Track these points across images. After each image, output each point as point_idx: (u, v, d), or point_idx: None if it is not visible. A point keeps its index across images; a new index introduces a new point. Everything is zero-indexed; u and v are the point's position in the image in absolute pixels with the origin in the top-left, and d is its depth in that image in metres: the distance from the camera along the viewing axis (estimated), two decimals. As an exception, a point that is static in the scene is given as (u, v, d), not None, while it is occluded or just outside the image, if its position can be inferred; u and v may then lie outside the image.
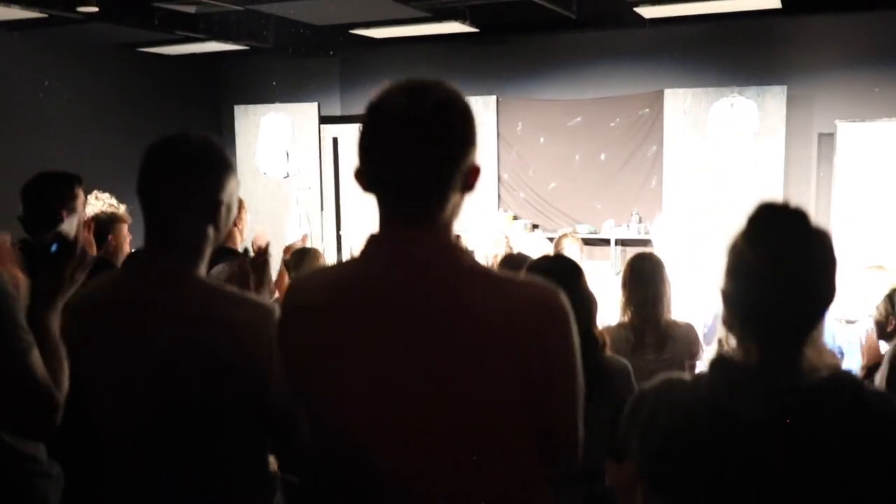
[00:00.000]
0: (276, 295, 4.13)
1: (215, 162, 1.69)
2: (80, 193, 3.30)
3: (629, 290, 3.21)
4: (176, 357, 1.56)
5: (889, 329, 2.99)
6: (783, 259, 1.37)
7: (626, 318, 3.22)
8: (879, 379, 2.59)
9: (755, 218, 1.45)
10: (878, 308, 3.22)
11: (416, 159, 1.30)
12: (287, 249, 4.49)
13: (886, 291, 3.67)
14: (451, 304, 1.28)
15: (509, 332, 1.26)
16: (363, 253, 1.37)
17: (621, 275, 3.33)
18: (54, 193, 3.15)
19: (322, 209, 10.13)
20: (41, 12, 7.31)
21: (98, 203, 5.87)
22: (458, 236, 4.35)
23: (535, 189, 9.37)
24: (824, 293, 1.39)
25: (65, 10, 7.29)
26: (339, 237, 9.97)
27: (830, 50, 8.30)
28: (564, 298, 1.32)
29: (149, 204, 1.67)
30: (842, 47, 8.27)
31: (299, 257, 3.91)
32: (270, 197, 10.30)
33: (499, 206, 9.36)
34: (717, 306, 3.94)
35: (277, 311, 1.60)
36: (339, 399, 1.31)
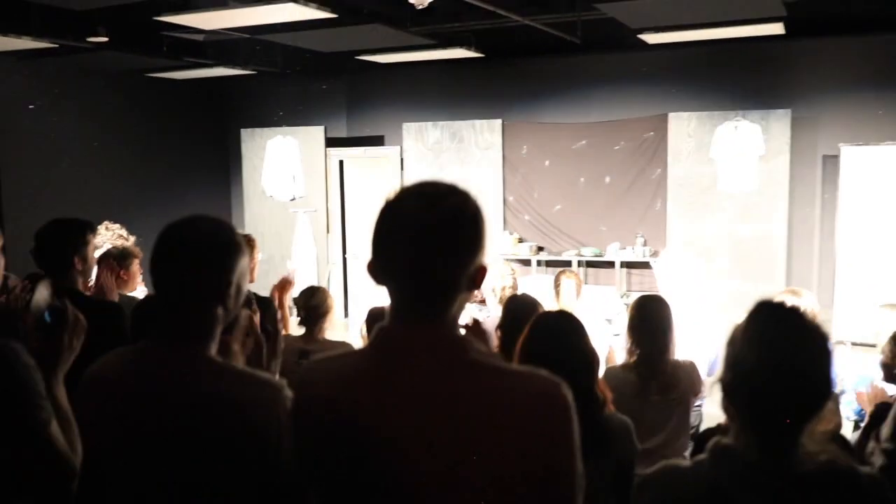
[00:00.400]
0: (284, 332, 4.18)
1: (225, 244, 1.73)
2: (92, 240, 3.35)
3: (636, 335, 3.24)
4: (186, 438, 1.60)
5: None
6: (779, 359, 1.42)
7: (631, 360, 3.25)
8: (886, 432, 2.60)
9: (753, 316, 1.50)
10: (883, 350, 3.23)
11: (426, 266, 1.36)
12: (282, 286, 4.46)
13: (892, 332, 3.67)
14: (455, 402, 1.32)
15: (512, 428, 1.29)
16: (372, 345, 1.42)
17: (628, 317, 3.35)
18: (67, 241, 3.20)
19: (328, 231, 10.18)
20: (51, 43, 7.40)
21: (108, 234, 5.92)
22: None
23: (540, 211, 9.41)
24: (820, 389, 1.43)
25: (75, 41, 7.39)
26: (344, 259, 10.03)
27: (834, 73, 8.35)
28: (567, 393, 1.36)
29: (160, 285, 1.71)
30: (845, 71, 8.31)
31: (308, 297, 3.94)
32: (277, 219, 10.37)
33: (504, 229, 9.40)
34: (719, 343, 3.97)
35: (287, 389, 1.65)
36: (348, 489, 1.35)
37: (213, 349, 1.70)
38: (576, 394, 2.23)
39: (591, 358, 2.33)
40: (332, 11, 6.17)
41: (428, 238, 1.35)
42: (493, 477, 1.28)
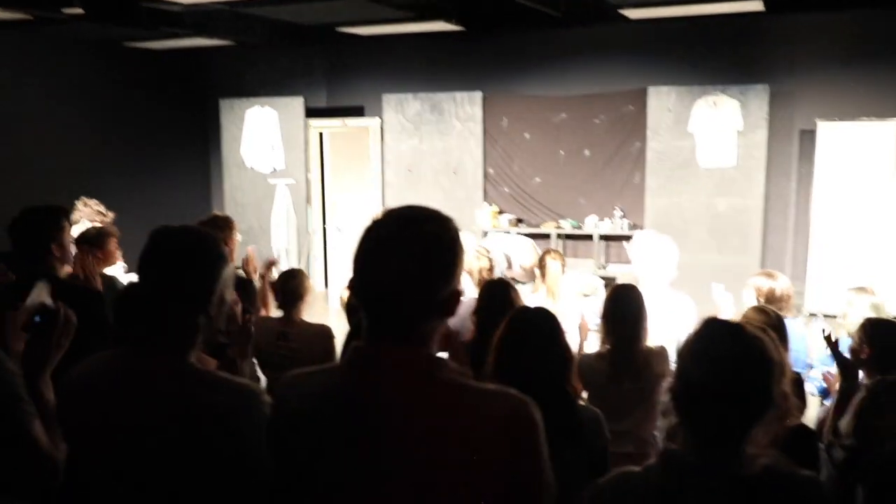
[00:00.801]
0: (263, 312, 4.22)
1: (209, 255, 1.77)
2: (68, 225, 3.37)
3: (609, 324, 3.31)
4: (165, 443, 1.64)
5: (863, 356, 3.10)
6: (721, 374, 1.54)
7: (604, 349, 3.33)
8: (846, 427, 2.68)
9: (699, 333, 1.59)
10: (852, 335, 3.33)
11: (402, 287, 1.41)
12: (267, 267, 4.49)
13: (864, 316, 3.77)
14: (429, 421, 1.37)
15: (484, 447, 1.35)
16: (347, 363, 1.47)
17: (602, 306, 3.42)
18: (43, 229, 3.21)
19: (308, 202, 10.18)
20: (26, 14, 7.30)
21: (86, 210, 5.90)
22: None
23: (520, 184, 9.46)
24: (759, 401, 1.54)
25: (50, 12, 7.29)
26: (324, 231, 10.04)
27: (812, 49, 8.39)
28: (535, 412, 1.42)
29: (145, 293, 1.75)
30: (823, 47, 8.35)
31: (285, 280, 3.97)
32: (256, 190, 10.35)
33: (484, 200, 9.45)
34: (693, 322, 4.05)
35: (264, 393, 1.70)
36: (323, 502, 1.42)
37: (194, 356, 1.75)
38: (550, 390, 2.32)
39: (565, 356, 2.40)
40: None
41: (405, 261, 1.40)
42: (467, 494, 1.35)
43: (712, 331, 1.61)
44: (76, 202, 5.99)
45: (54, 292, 2.06)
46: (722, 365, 1.54)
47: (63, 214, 3.36)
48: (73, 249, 3.42)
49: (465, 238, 5.33)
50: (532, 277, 5.65)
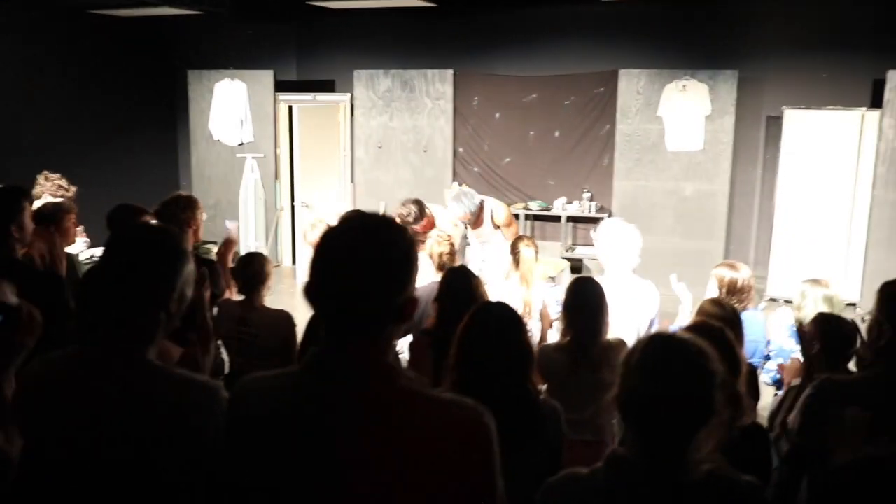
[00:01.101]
0: (227, 295, 4.20)
1: (171, 253, 1.76)
2: (28, 206, 3.32)
3: (570, 317, 3.34)
4: (124, 440, 1.64)
5: (813, 352, 3.16)
6: (663, 386, 1.58)
7: (565, 341, 3.36)
8: (792, 421, 2.74)
9: (644, 346, 1.63)
10: (807, 329, 3.39)
11: (359, 293, 1.42)
12: (226, 246, 4.45)
13: (817, 308, 3.84)
14: (386, 428, 1.39)
15: (439, 454, 1.38)
16: (306, 367, 1.48)
17: (563, 299, 3.45)
18: (2, 211, 3.16)
19: (277, 178, 10.10)
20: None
21: (48, 184, 5.81)
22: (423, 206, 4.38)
23: (490, 164, 9.46)
24: (702, 412, 1.58)
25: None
26: (293, 207, 9.98)
27: (781, 36, 8.46)
28: (490, 421, 1.44)
29: (105, 290, 1.74)
30: (793, 34, 8.42)
31: (245, 264, 3.93)
32: (224, 164, 10.24)
33: (453, 180, 9.44)
34: (657, 304, 4.09)
35: (223, 391, 1.70)
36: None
37: (153, 353, 1.75)
38: (511, 388, 2.34)
39: (527, 353, 2.41)
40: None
41: (361, 269, 1.41)
42: (423, 500, 1.37)
43: (657, 344, 1.65)
44: (38, 176, 5.90)
45: (17, 278, 2.03)
46: (665, 376, 1.59)
47: (22, 194, 3.31)
48: (31, 227, 3.38)
49: (443, 210, 5.31)
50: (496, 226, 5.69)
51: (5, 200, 3.19)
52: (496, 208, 5.91)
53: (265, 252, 9.86)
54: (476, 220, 5.84)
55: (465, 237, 6.06)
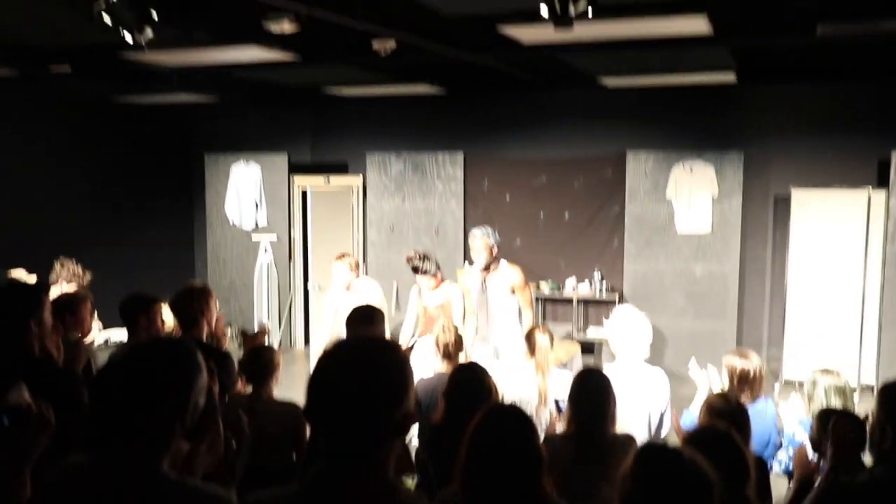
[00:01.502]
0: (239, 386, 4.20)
1: (186, 368, 1.81)
2: (47, 301, 3.38)
3: (575, 406, 3.35)
4: None
5: (822, 448, 3.14)
6: (656, 496, 1.58)
7: (570, 431, 3.36)
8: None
9: (639, 458, 1.67)
10: (813, 426, 3.38)
11: (356, 415, 1.48)
12: (259, 337, 4.53)
13: (829, 398, 3.83)
14: None
15: None
16: (309, 487, 1.52)
17: (569, 389, 3.45)
18: (23, 308, 3.23)
19: (290, 259, 10.22)
20: (12, 71, 7.38)
21: (63, 271, 5.92)
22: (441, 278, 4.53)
23: (501, 245, 9.50)
24: None
25: (37, 69, 7.37)
26: (306, 289, 10.05)
27: (785, 118, 8.61)
28: None
29: (121, 403, 1.78)
30: (795, 116, 8.58)
31: (254, 357, 3.96)
32: (239, 246, 10.38)
33: (464, 262, 9.50)
34: (667, 393, 4.07)
35: (235, 501, 1.73)
36: None
37: (167, 462, 1.78)
38: (521, 492, 2.33)
39: (538, 458, 2.39)
40: (296, 53, 6.25)
41: (358, 390, 1.46)
42: None
43: (652, 454, 1.69)
44: (55, 262, 6.01)
45: (34, 376, 2.07)
46: (660, 492, 1.63)
47: (43, 291, 3.38)
48: (50, 322, 3.44)
49: (455, 286, 5.38)
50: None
51: (27, 296, 3.25)
52: (513, 268, 6.01)
53: (278, 333, 9.97)
54: (493, 263, 6.02)
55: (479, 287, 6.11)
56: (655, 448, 1.72)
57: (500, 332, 6.06)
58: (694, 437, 2.51)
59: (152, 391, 1.76)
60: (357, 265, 6.53)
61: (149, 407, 1.75)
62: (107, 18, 3.32)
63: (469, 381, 3.43)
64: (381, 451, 1.50)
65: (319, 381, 1.51)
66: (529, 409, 4.33)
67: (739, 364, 4.02)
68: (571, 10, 2.79)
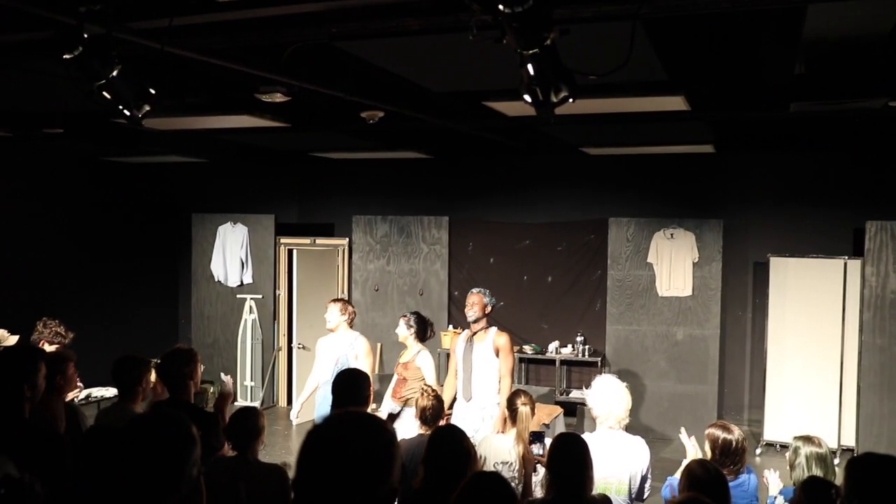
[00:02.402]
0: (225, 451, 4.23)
1: (183, 441, 1.89)
2: (42, 367, 3.45)
3: (553, 472, 3.40)
4: None
5: None
6: None
7: (548, 496, 3.41)
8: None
9: None
10: (795, 493, 3.45)
11: (342, 491, 1.53)
12: (224, 401, 4.53)
13: (809, 466, 3.91)
14: None
15: None
16: None
17: (546, 454, 3.52)
18: (16, 370, 3.30)
19: (275, 318, 10.26)
20: (6, 132, 7.49)
21: (46, 331, 5.91)
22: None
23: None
24: None
25: (30, 131, 7.48)
26: (290, 349, 10.07)
27: (762, 186, 8.84)
28: None
29: (117, 481, 1.85)
30: (773, 184, 8.80)
31: (237, 419, 3.98)
32: (223, 303, 10.41)
33: (448, 324, 9.59)
34: (646, 460, 4.13)
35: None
36: None
37: None
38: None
39: None
40: (286, 122, 6.40)
41: (345, 466, 1.53)
42: None
43: None
44: (37, 323, 6.01)
45: (23, 443, 2.13)
46: None
47: (39, 356, 3.45)
48: (42, 387, 3.50)
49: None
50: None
51: (22, 360, 3.33)
52: (502, 335, 6.13)
53: (261, 392, 9.95)
54: (482, 324, 6.15)
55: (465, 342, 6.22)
56: None
57: (483, 394, 6.12)
58: None
59: (152, 463, 1.82)
60: (348, 310, 6.62)
61: (145, 481, 1.81)
62: (106, 95, 3.45)
63: (448, 445, 3.47)
64: None
65: (308, 457, 1.57)
66: (509, 473, 4.39)
67: (722, 435, 4.08)
68: (553, 97, 2.93)
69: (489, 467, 4.23)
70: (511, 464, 4.36)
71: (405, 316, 6.48)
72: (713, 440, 4.11)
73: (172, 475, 1.85)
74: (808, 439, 4.16)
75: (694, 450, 4.35)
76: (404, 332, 6.38)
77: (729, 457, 4.02)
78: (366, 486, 1.55)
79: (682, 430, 4.54)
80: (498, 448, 4.49)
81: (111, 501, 1.85)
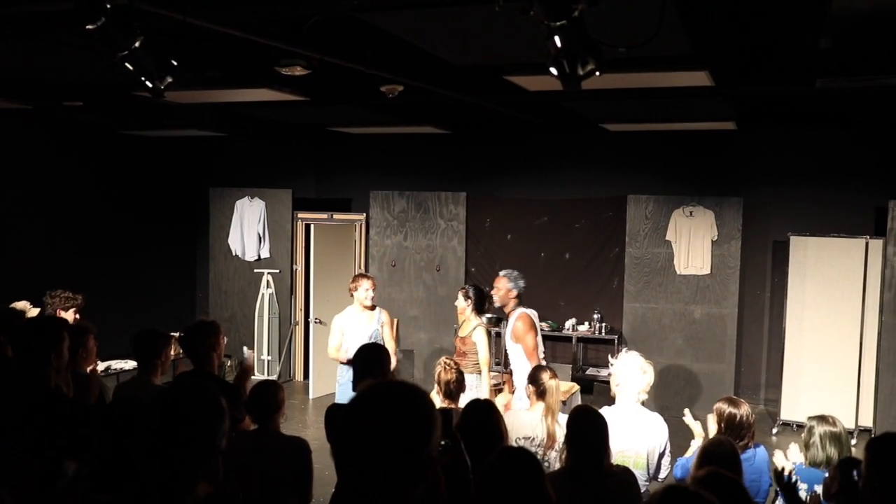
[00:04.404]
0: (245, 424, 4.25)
1: (215, 414, 1.90)
2: (67, 336, 3.50)
3: (572, 443, 3.39)
4: None
5: (833, 491, 3.20)
6: None
7: (567, 466, 3.41)
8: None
9: (662, 499, 1.73)
10: (829, 473, 3.44)
11: (379, 460, 1.53)
12: (244, 376, 4.55)
13: (824, 448, 3.89)
14: None
15: None
16: None
17: (565, 429, 3.51)
18: (44, 340, 3.36)
19: (292, 293, 10.29)
20: (26, 105, 7.51)
21: (54, 302, 5.94)
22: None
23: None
24: None
25: (50, 104, 7.50)
26: (307, 323, 10.11)
27: (784, 165, 8.75)
28: None
29: (156, 441, 1.85)
30: (795, 162, 8.71)
31: (258, 394, 3.99)
32: (241, 279, 10.45)
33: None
34: (664, 437, 4.13)
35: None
36: None
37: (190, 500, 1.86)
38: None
39: (547, 501, 2.45)
40: (305, 95, 6.38)
41: (382, 435, 1.52)
42: None
43: (672, 498, 1.73)
44: (44, 298, 6.04)
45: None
46: None
47: (64, 327, 3.50)
48: (67, 358, 3.55)
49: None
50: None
51: (49, 330, 3.39)
52: (518, 318, 6.09)
53: (278, 367, 10.01)
54: (511, 302, 6.18)
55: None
56: (678, 489, 1.77)
57: (513, 377, 6.19)
58: (704, 482, 2.57)
59: (183, 436, 1.83)
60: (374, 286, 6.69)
61: (179, 451, 1.82)
62: (129, 66, 3.44)
63: (481, 420, 3.47)
64: (406, 494, 1.56)
65: (348, 425, 1.57)
66: (531, 447, 4.36)
67: (727, 409, 4.08)
68: (580, 70, 2.89)
69: (511, 442, 4.24)
70: (533, 438, 4.36)
71: (463, 288, 6.59)
72: (720, 414, 4.12)
73: (203, 445, 1.85)
74: (822, 419, 4.14)
75: (700, 430, 4.35)
76: (462, 303, 6.45)
77: (734, 430, 4.02)
78: (404, 455, 1.54)
79: (686, 411, 4.55)
80: (522, 423, 4.49)
81: (142, 473, 1.86)
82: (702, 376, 8.66)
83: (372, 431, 1.53)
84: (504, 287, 6.18)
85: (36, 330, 3.41)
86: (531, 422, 4.38)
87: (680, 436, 4.69)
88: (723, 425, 4.04)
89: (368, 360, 4.10)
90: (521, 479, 2.45)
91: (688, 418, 4.43)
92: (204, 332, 4.23)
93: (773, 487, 4.15)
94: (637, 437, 4.21)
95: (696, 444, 4.28)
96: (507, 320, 6.32)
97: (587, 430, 3.45)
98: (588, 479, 3.37)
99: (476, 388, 5.99)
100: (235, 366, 8.12)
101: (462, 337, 6.35)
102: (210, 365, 4.24)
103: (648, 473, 4.23)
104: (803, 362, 8.31)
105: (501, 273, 6.31)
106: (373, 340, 6.16)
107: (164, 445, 1.84)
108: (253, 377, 5.46)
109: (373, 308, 6.59)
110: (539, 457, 4.31)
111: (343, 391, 6.37)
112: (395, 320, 9.51)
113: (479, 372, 6.21)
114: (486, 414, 3.56)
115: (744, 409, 4.07)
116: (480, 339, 6.24)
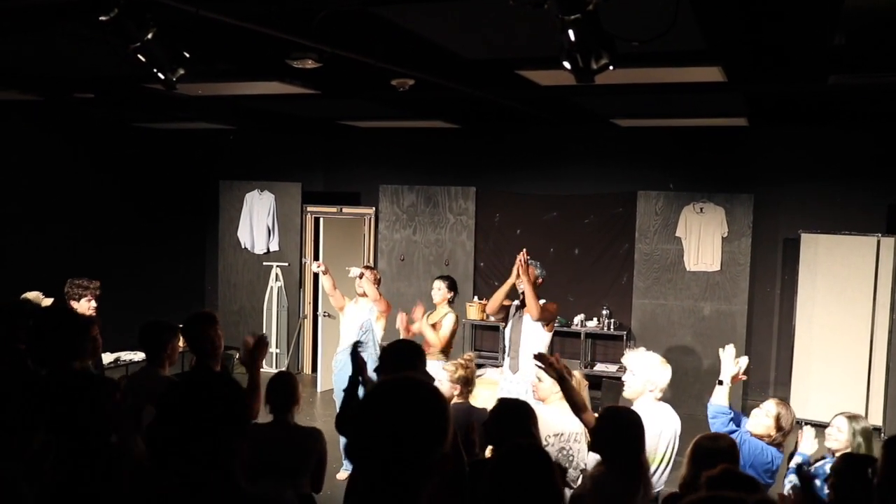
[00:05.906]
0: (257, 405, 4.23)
1: (236, 407, 1.90)
2: (91, 332, 3.53)
3: (610, 447, 3.25)
4: None
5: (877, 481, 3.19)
6: None
7: (609, 465, 3.32)
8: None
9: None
10: (835, 463, 3.43)
11: (394, 456, 1.54)
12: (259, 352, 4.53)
13: (856, 443, 3.90)
14: None
15: None
16: None
17: (596, 428, 3.44)
18: (71, 339, 3.38)
19: (301, 286, 10.30)
20: (38, 96, 7.53)
21: (76, 289, 5.95)
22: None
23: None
24: None
25: (61, 96, 7.52)
26: (315, 316, 10.12)
27: (795, 162, 8.70)
28: None
29: (171, 442, 1.86)
30: (806, 159, 8.66)
31: (276, 386, 3.99)
32: (250, 271, 10.47)
33: (473, 295, 9.59)
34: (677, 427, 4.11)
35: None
36: None
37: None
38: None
39: (556, 499, 2.43)
40: (315, 88, 6.37)
41: (398, 431, 1.53)
42: None
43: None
44: (64, 286, 6.06)
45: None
46: None
47: (92, 324, 3.54)
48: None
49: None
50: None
51: (73, 329, 3.41)
52: (553, 304, 6.35)
53: (286, 359, 10.02)
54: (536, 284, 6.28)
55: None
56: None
57: (531, 368, 6.12)
58: (719, 481, 2.56)
59: (204, 429, 1.84)
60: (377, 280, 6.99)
61: (197, 445, 1.83)
62: (141, 58, 3.44)
63: (512, 418, 3.42)
64: (418, 492, 1.56)
65: (365, 419, 1.57)
66: (559, 444, 4.30)
67: (784, 412, 4.07)
68: (594, 64, 2.88)
69: (542, 440, 4.18)
70: (561, 434, 4.30)
71: (446, 279, 6.89)
72: (779, 413, 4.05)
73: (222, 442, 1.85)
74: (853, 416, 4.12)
75: (731, 364, 4.30)
76: (445, 293, 6.75)
77: (781, 431, 4.01)
78: (419, 450, 1.55)
79: (729, 346, 4.46)
80: (547, 420, 4.44)
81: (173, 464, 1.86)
82: (711, 374, 8.60)
83: (391, 426, 1.54)
84: (542, 277, 6.53)
85: (62, 320, 3.44)
86: (557, 418, 4.33)
87: (685, 430, 4.67)
88: (778, 422, 4.01)
89: (399, 357, 4.01)
90: (531, 474, 2.43)
91: (724, 353, 4.37)
92: (204, 324, 4.19)
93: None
94: (657, 430, 4.19)
95: (721, 390, 4.23)
96: (518, 312, 6.33)
97: (624, 424, 3.35)
98: (634, 474, 3.28)
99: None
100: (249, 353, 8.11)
101: (433, 323, 6.51)
102: (215, 358, 4.21)
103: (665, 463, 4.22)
104: (813, 360, 8.28)
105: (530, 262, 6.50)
106: (363, 330, 6.53)
107: (185, 437, 1.84)
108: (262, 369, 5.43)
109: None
110: (564, 452, 4.28)
111: (339, 379, 6.46)
112: (404, 314, 9.50)
113: (441, 358, 6.18)
114: (519, 414, 3.48)
115: (790, 413, 4.09)
116: (449, 323, 6.44)
